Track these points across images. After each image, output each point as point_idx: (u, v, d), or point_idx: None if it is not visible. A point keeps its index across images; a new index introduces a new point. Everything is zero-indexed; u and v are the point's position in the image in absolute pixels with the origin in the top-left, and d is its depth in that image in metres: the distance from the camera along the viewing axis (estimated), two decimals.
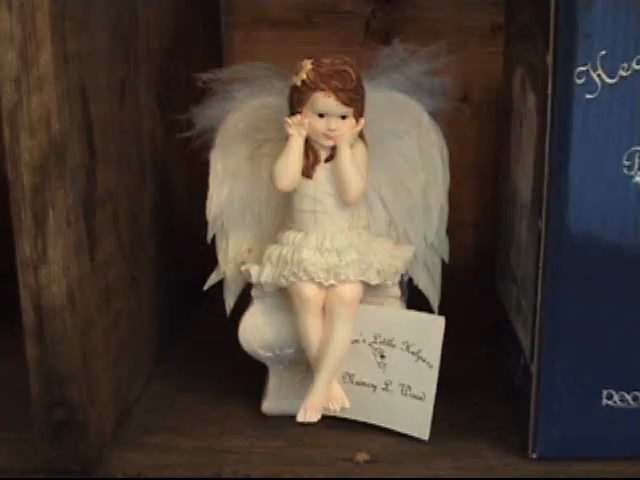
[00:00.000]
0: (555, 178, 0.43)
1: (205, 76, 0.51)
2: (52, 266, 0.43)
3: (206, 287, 0.54)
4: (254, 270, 0.50)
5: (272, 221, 0.53)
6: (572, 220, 0.43)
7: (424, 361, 0.49)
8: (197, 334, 0.65)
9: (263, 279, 0.49)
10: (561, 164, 0.42)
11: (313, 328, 0.49)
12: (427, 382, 0.49)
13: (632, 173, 0.42)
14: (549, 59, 0.42)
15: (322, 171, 0.49)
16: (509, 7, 0.57)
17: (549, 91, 0.42)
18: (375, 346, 0.50)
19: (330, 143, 0.48)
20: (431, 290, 0.54)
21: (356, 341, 0.50)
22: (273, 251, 0.50)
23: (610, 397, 0.45)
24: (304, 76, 0.47)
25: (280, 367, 0.53)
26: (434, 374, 0.49)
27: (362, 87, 0.48)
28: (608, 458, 0.46)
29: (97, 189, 0.47)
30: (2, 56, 0.40)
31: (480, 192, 0.78)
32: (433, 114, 0.51)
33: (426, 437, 0.49)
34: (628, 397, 0.45)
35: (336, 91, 0.47)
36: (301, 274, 0.48)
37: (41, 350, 0.44)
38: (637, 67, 0.41)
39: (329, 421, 0.50)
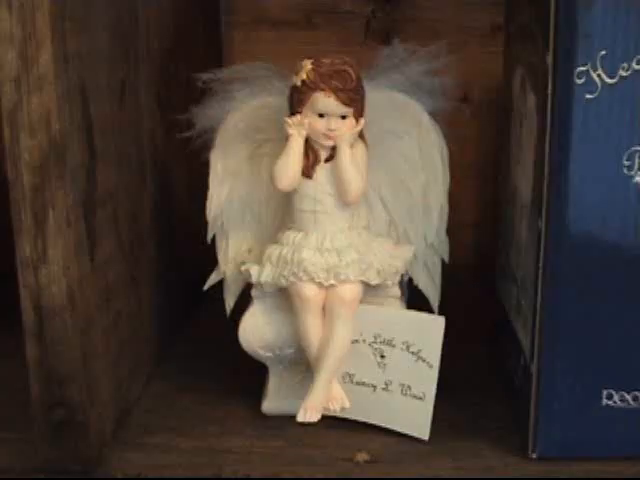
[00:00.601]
0: (555, 178, 0.43)
1: (205, 76, 0.51)
2: (52, 266, 0.43)
3: (206, 287, 0.54)
4: (254, 270, 0.50)
5: (272, 221, 0.53)
6: (572, 220, 0.43)
7: (424, 361, 0.49)
8: (197, 334, 0.65)
9: (263, 279, 0.49)
10: (561, 164, 0.42)
11: (313, 328, 0.49)
12: (427, 382, 0.49)
13: (632, 173, 0.42)
14: (549, 59, 0.42)
15: (322, 171, 0.49)
16: (509, 7, 0.57)
17: (549, 91, 0.42)
18: (375, 346, 0.50)
19: (330, 143, 0.48)
20: (431, 290, 0.54)
21: (356, 341, 0.50)
22: (273, 251, 0.50)
23: (610, 397, 0.45)
24: (304, 76, 0.47)
25: (280, 367, 0.53)
26: (434, 374, 0.49)
27: (362, 87, 0.48)
28: (608, 458, 0.46)
29: (97, 189, 0.47)
30: (2, 56, 0.40)
31: (480, 192, 0.78)
32: (433, 114, 0.51)
33: (426, 437, 0.49)
34: (628, 397, 0.45)
35: (336, 91, 0.47)
36: (301, 274, 0.48)
37: (41, 350, 0.44)
38: (637, 67, 0.41)
39: (329, 421, 0.50)
